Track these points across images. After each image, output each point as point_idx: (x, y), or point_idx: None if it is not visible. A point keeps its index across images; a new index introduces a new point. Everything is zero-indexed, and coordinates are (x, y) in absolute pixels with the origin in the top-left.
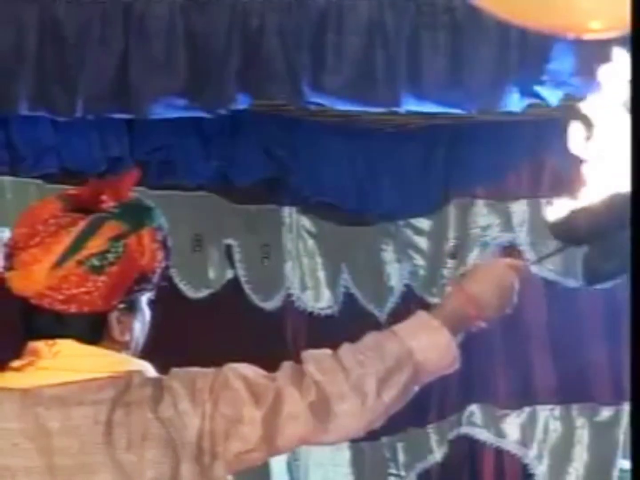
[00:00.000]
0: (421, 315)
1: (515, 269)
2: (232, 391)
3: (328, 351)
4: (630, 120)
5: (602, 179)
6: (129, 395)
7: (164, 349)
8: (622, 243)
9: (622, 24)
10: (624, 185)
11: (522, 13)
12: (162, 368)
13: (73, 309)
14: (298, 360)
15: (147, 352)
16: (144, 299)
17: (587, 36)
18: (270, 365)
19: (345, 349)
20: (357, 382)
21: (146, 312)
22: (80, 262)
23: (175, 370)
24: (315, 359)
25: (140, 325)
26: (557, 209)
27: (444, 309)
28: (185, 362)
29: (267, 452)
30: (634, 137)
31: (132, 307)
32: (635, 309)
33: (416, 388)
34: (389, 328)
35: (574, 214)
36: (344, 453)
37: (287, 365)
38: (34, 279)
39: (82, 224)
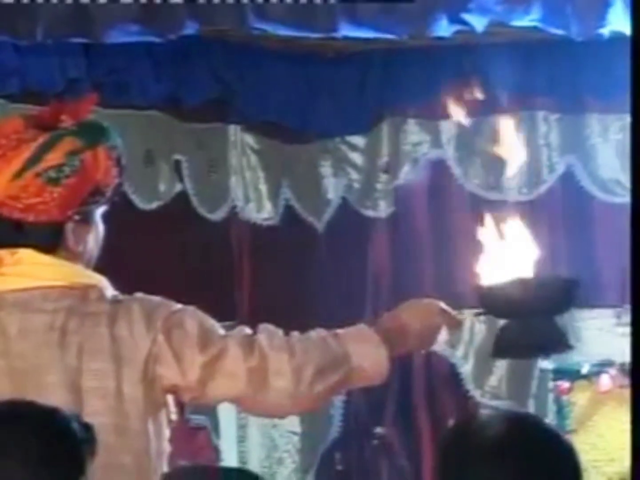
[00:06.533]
0: (363, 328)
1: (444, 315)
2: (185, 331)
3: (281, 331)
4: (630, 121)
5: (535, 258)
6: (86, 307)
7: (117, 256)
8: (543, 326)
9: None
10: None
11: None
12: (116, 274)
13: (31, 217)
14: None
15: (103, 259)
16: (98, 212)
17: None
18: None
19: (296, 335)
20: (298, 367)
21: (100, 226)
22: (38, 174)
23: (140, 295)
24: (269, 333)
25: (93, 237)
26: (488, 279)
27: (382, 328)
28: (137, 268)
29: (198, 394)
30: (633, 137)
31: (86, 219)
32: (635, 304)
33: (342, 390)
34: (333, 331)
35: (502, 286)
36: None
37: (241, 329)
38: None
39: (41, 139)
